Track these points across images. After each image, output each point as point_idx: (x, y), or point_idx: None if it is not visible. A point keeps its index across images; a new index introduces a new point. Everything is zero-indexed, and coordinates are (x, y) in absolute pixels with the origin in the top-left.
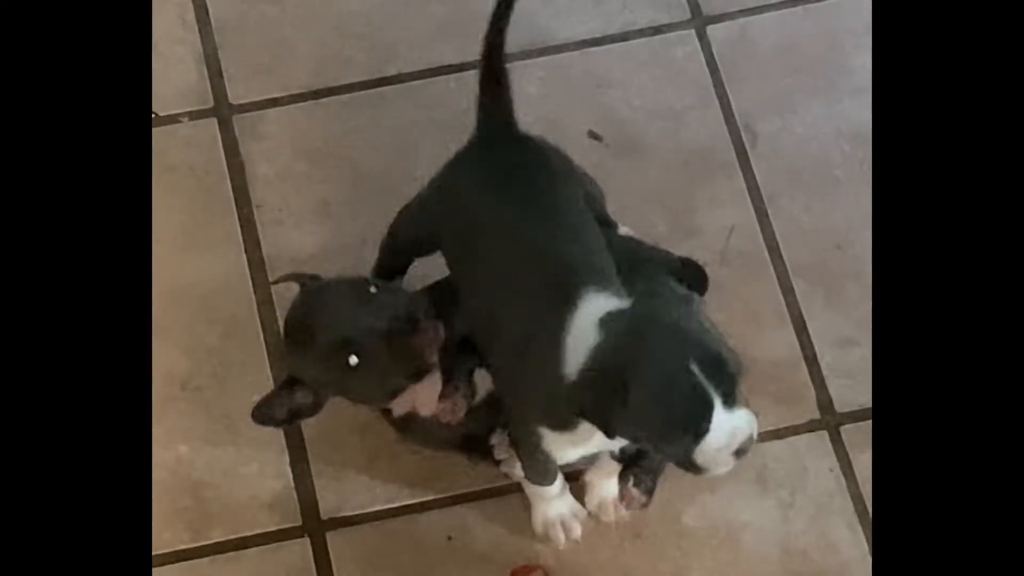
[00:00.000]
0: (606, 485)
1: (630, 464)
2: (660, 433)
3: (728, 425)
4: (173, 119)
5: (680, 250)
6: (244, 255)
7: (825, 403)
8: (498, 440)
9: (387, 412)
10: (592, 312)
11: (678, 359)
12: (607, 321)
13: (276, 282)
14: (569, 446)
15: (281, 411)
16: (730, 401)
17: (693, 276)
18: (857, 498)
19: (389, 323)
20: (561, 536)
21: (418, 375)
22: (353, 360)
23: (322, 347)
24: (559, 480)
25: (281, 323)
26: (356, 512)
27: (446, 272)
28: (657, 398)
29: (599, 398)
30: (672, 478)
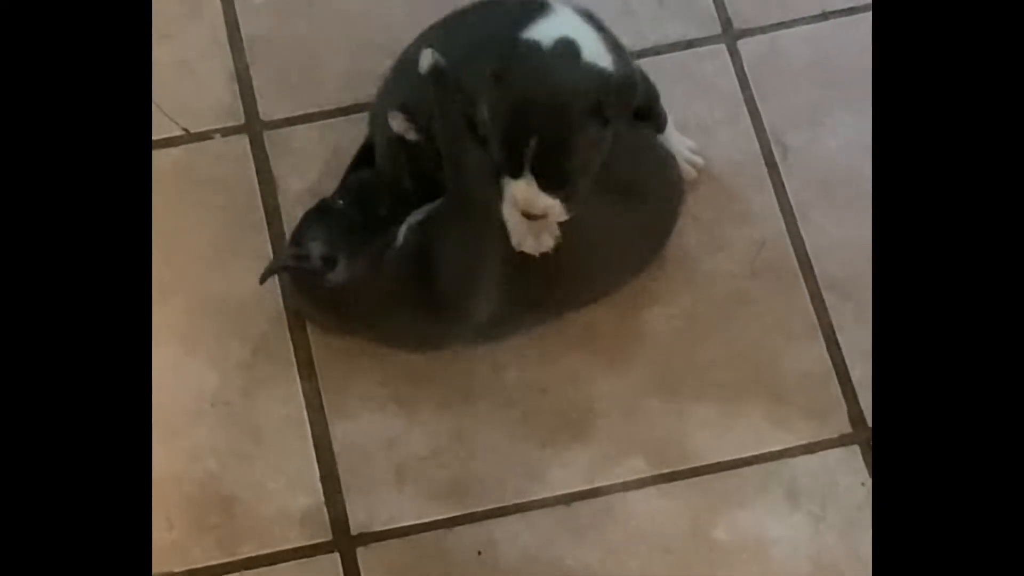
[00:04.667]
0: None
1: None
2: None
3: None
4: (204, 136)
5: (709, 263)
6: None
7: (856, 417)
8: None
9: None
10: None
11: None
12: None
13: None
14: None
15: (285, 260)
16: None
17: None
18: None
19: None
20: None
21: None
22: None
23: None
24: None
25: (312, 338)
26: (386, 527)
27: None
28: None
29: None
30: (702, 492)
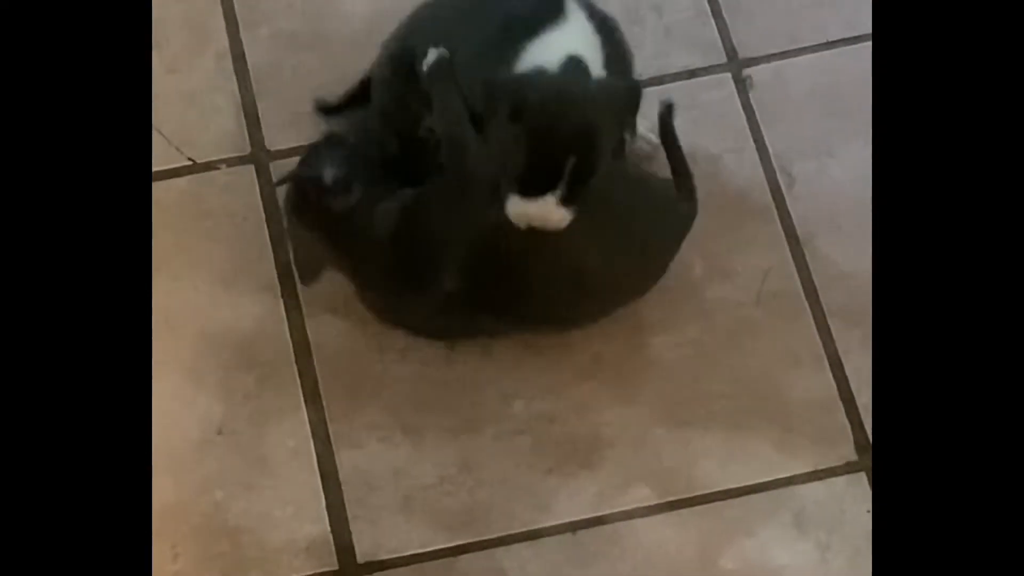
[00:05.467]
0: None
1: None
2: None
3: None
4: (211, 166)
5: (715, 292)
6: (281, 301)
7: (862, 444)
8: None
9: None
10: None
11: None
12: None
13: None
14: None
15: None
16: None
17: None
18: None
19: None
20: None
21: None
22: None
23: None
24: None
25: (318, 368)
26: (392, 556)
27: None
28: None
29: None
30: (709, 521)
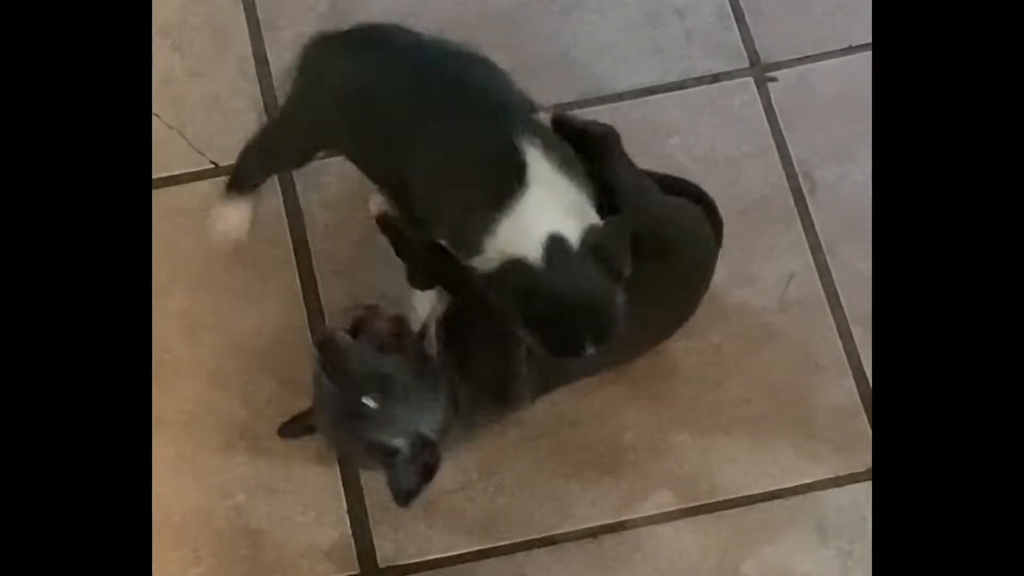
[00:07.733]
0: None
1: None
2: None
3: None
4: None
5: (738, 298)
6: (303, 305)
7: None
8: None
9: None
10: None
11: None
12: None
13: None
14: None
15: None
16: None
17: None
18: None
19: None
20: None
21: None
22: None
23: None
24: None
25: None
26: (413, 560)
27: None
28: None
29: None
30: (731, 527)
